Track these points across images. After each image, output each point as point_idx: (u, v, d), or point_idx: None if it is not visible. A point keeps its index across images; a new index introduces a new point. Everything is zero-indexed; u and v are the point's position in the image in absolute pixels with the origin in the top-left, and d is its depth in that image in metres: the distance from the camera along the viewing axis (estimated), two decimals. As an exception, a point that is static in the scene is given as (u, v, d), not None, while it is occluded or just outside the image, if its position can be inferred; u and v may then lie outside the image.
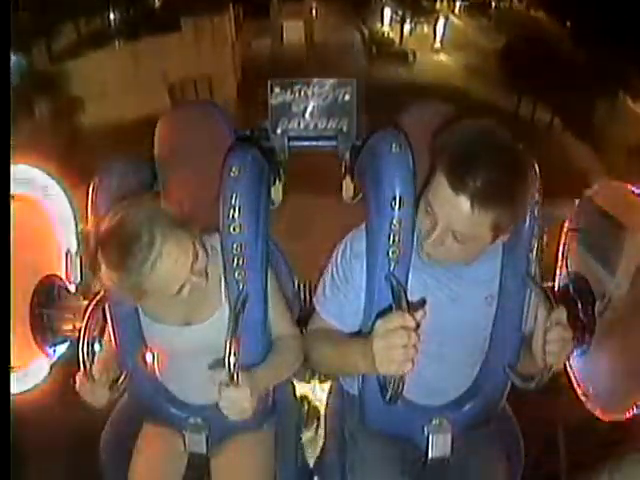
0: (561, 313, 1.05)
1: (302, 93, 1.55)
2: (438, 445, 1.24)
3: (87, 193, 1.20)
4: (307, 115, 1.57)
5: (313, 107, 1.56)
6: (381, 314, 1.01)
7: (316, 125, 1.57)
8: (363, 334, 1.11)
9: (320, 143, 1.60)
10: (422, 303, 1.12)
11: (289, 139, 1.57)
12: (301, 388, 1.72)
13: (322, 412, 1.66)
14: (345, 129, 1.56)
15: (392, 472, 1.23)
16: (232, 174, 1.14)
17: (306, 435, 1.71)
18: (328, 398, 1.49)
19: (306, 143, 1.59)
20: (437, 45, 9.00)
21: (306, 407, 1.77)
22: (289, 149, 1.57)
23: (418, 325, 0.96)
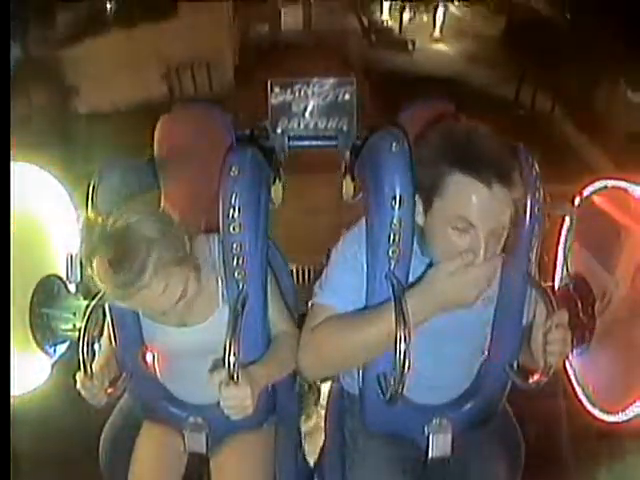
0: (562, 315, 1.06)
1: (302, 92, 1.55)
2: (438, 445, 1.24)
3: (87, 192, 1.20)
4: (307, 114, 1.57)
5: (313, 106, 1.56)
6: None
7: (316, 124, 1.57)
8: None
9: (320, 143, 1.60)
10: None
11: (289, 139, 1.57)
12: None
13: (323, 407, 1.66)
14: (345, 128, 1.56)
15: (392, 472, 1.23)
16: (232, 174, 1.14)
17: (307, 425, 1.71)
18: (328, 398, 1.49)
19: (306, 143, 1.59)
20: (436, 34, 9.02)
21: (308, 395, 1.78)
22: (289, 149, 1.57)
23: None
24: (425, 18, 9.27)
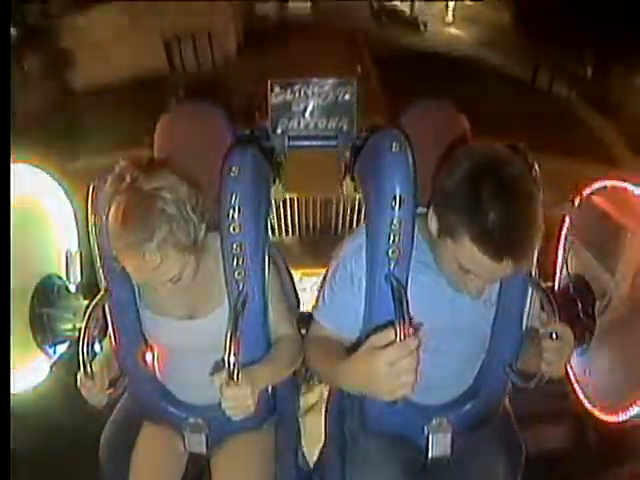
0: (564, 330, 1.06)
1: (302, 92, 1.56)
2: (438, 445, 1.24)
3: (87, 193, 1.20)
4: (307, 115, 1.57)
5: (313, 106, 1.56)
6: (379, 328, 0.94)
7: (316, 125, 1.57)
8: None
9: (320, 143, 1.60)
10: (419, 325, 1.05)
11: (289, 139, 1.57)
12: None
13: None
14: (345, 128, 1.57)
15: (392, 472, 1.23)
16: (232, 174, 1.14)
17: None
18: (328, 398, 1.49)
19: (306, 143, 1.59)
20: (449, 19, 8.88)
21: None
22: (289, 149, 1.57)
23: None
24: (436, 5, 9.13)
